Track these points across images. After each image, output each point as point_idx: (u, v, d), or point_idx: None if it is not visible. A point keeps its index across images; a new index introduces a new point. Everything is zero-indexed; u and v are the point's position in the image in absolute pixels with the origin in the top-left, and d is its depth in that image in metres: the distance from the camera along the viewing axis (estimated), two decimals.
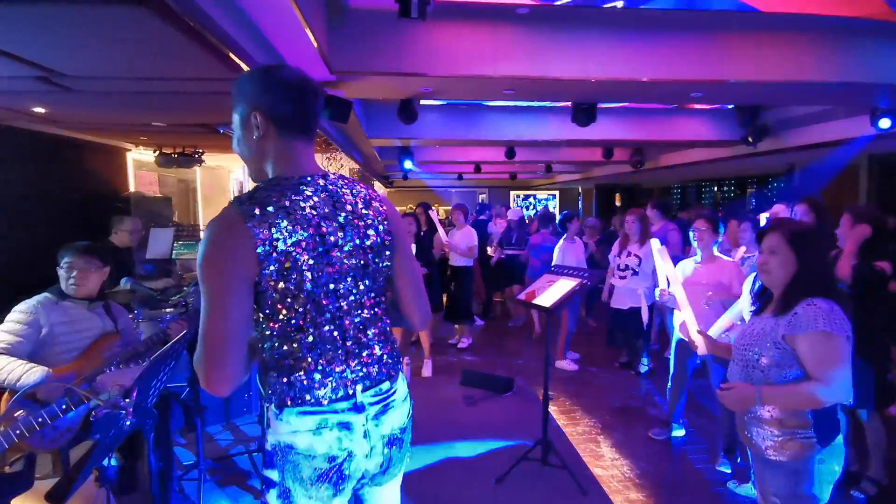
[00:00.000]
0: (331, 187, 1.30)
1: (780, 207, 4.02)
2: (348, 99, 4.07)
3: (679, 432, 3.81)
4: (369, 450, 1.31)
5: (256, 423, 3.75)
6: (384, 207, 1.37)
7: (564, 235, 5.49)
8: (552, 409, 4.40)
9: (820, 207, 3.54)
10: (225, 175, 8.70)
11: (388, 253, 1.36)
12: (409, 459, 1.46)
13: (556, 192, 18.27)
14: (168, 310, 3.71)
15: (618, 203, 15.79)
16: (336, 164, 5.92)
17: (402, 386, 1.41)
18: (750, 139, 6.30)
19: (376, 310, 1.35)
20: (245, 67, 2.74)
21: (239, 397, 3.90)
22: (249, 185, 10.09)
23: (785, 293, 1.72)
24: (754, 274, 3.25)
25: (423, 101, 6.48)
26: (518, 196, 18.11)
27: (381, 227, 1.34)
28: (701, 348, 2.11)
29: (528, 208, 17.54)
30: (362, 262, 1.30)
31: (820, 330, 1.58)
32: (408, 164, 8.61)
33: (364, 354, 1.32)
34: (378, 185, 14.83)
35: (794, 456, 1.66)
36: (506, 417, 4.16)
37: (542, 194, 18.38)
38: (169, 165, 5.39)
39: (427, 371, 5.14)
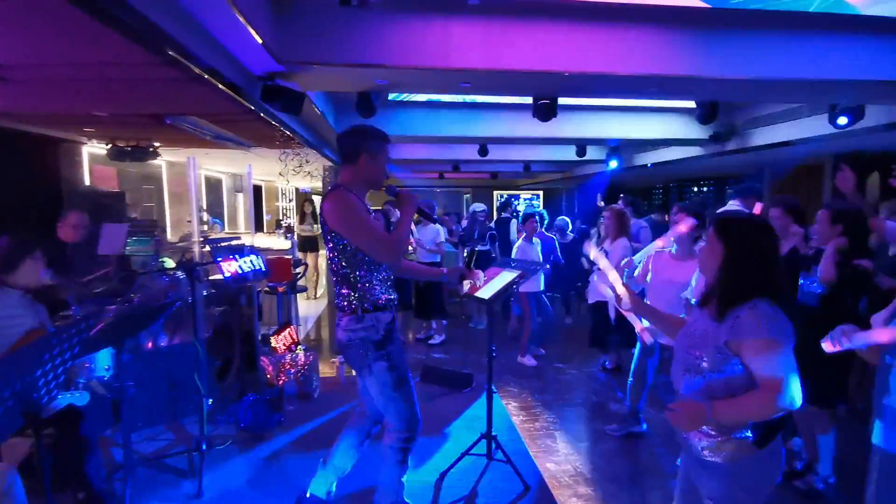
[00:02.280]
0: None
1: (734, 203, 4.02)
2: (300, 91, 4.02)
3: (639, 429, 3.79)
4: None
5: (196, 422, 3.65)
6: (325, 206, 2.26)
7: (524, 235, 5.54)
8: (512, 405, 4.37)
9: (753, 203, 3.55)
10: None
11: (331, 235, 2.26)
12: (367, 379, 2.36)
13: (540, 192, 18.29)
14: (111, 306, 3.62)
15: (600, 203, 15.77)
16: (297, 161, 5.76)
17: (347, 320, 2.30)
18: (716, 137, 6.33)
19: (336, 267, 2.31)
20: (175, 55, 2.68)
21: (187, 397, 3.82)
22: (230, 184, 9.83)
23: (720, 291, 1.64)
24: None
25: (392, 98, 6.47)
26: (501, 196, 18.09)
27: (323, 221, 2.28)
28: (625, 302, 2.11)
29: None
30: (329, 243, 2.30)
31: (766, 338, 1.51)
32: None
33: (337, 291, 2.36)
34: None
35: (730, 458, 1.60)
36: (461, 413, 4.12)
37: (525, 194, 18.38)
38: (122, 159, 5.29)
39: None
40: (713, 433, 1.62)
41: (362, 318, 2.27)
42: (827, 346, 1.92)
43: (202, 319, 3.58)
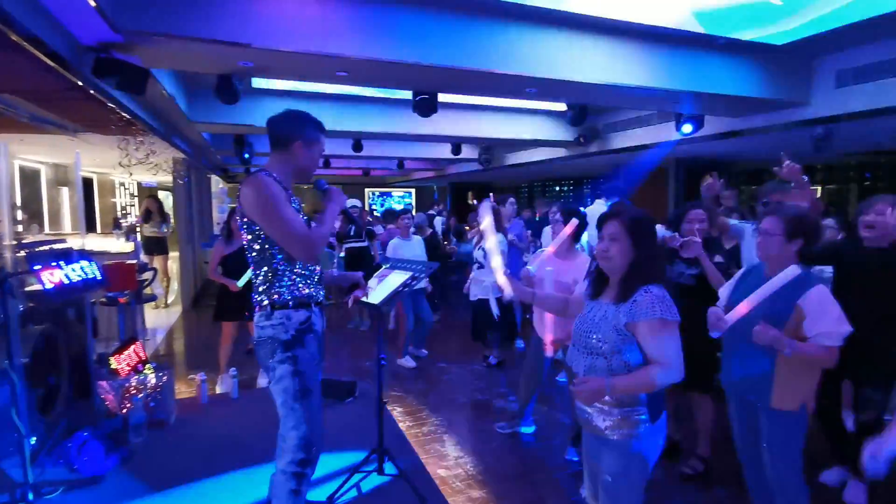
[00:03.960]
0: None
1: (600, 202, 4.24)
2: (143, 67, 3.41)
3: (529, 429, 3.81)
4: None
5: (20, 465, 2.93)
6: (242, 190, 2.08)
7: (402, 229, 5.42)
8: (398, 411, 4.19)
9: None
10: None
11: (245, 222, 2.09)
12: (273, 384, 2.14)
13: (412, 190, 18.35)
14: None
15: (471, 201, 16.27)
16: (142, 151, 4.93)
17: (258, 316, 2.14)
18: (581, 140, 6.75)
19: (250, 258, 2.16)
20: None
21: (4, 436, 3.04)
22: (51, 175, 8.24)
23: (624, 280, 1.77)
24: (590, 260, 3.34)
25: (258, 85, 5.90)
26: (374, 193, 17.83)
27: (240, 208, 2.10)
28: (507, 292, 2.18)
29: (382, 205, 17.35)
30: (244, 234, 2.13)
31: (657, 317, 1.67)
32: (247, 156, 7.86)
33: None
34: (216, 180, 13.47)
35: (628, 434, 1.75)
36: (347, 426, 3.83)
37: (397, 192, 18.32)
38: None
39: (224, 387, 4.51)
40: (615, 412, 1.76)
41: (271, 315, 2.12)
42: (714, 334, 2.10)
43: (17, 341, 2.87)
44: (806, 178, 2.85)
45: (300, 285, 2.15)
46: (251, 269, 2.17)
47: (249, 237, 2.12)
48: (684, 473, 3.13)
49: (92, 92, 3.52)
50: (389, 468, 2.98)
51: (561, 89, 4.54)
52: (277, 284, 2.12)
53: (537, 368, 3.56)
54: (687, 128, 5.44)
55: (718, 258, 3.10)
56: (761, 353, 2.14)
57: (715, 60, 4.39)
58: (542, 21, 3.88)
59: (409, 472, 3.01)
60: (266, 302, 2.12)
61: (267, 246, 2.10)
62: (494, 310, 4.46)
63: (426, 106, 4.63)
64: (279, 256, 2.11)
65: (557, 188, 13.47)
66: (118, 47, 3.22)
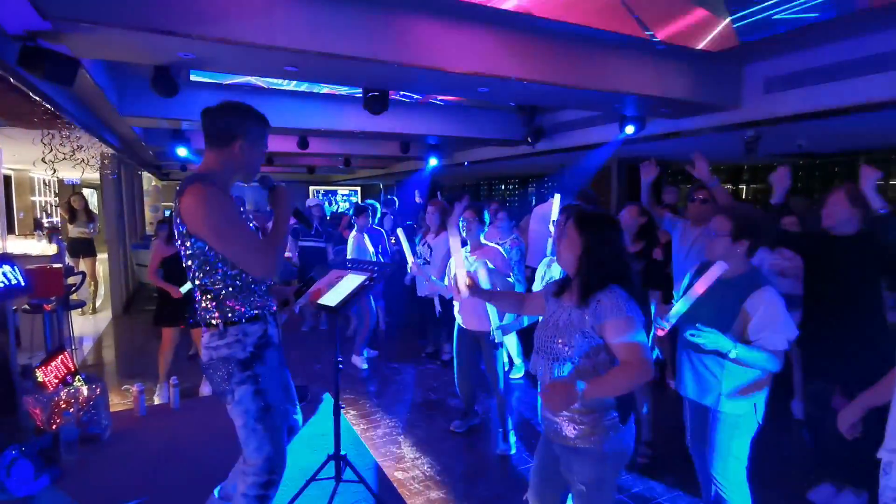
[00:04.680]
0: None
1: (556, 197, 4.30)
2: (72, 56, 3.15)
3: (476, 422, 3.85)
4: None
5: None
6: (179, 204, 1.83)
7: (356, 228, 5.36)
8: (351, 414, 4.12)
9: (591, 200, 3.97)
10: None
11: (189, 238, 1.85)
12: (232, 405, 1.97)
13: (358, 188, 18.10)
14: None
15: (417, 200, 16.15)
16: (68, 146, 4.52)
17: (209, 336, 1.95)
18: (529, 139, 6.87)
19: (192, 276, 1.93)
20: None
21: None
22: None
23: (582, 280, 1.74)
24: (546, 259, 3.41)
25: (198, 78, 5.60)
26: (318, 191, 17.44)
27: (179, 221, 1.85)
28: (464, 292, 2.14)
29: (329, 203, 17.02)
30: (184, 246, 1.89)
31: (624, 317, 1.64)
32: (182, 152, 7.43)
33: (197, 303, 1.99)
34: (148, 177, 12.72)
35: (600, 440, 1.71)
36: (300, 432, 3.71)
37: (343, 190, 18.02)
38: None
39: (163, 398, 4.30)
40: (586, 420, 1.72)
41: (225, 333, 1.92)
42: (659, 332, 2.15)
43: None
44: (716, 179, 3.04)
45: (253, 296, 1.97)
46: (193, 287, 1.97)
47: (193, 254, 1.88)
48: (637, 463, 3.24)
49: (13, 81, 3.21)
50: (347, 474, 2.92)
51: (511, 89, 4.59)
52: (229, 299, 1.92)
53: (464, 360, 3.60)
54: (630, 129, 5.65)
55: (657, 253, 3.28)
56: (710, 356, 2.12)
57: (655, 64, 4.57)
58: (493, 22, 3.90)
59: (366, 476, 2.96)
60: (218, 320, 1.92)
61: (219, 264, 1.88)
62: (437, 307, 4.48)
63: (377, 103, 4.56)
64: (231, 272, 1.91)
65: (503, 186, 13.67)
66: (46, 35, 2.96)
